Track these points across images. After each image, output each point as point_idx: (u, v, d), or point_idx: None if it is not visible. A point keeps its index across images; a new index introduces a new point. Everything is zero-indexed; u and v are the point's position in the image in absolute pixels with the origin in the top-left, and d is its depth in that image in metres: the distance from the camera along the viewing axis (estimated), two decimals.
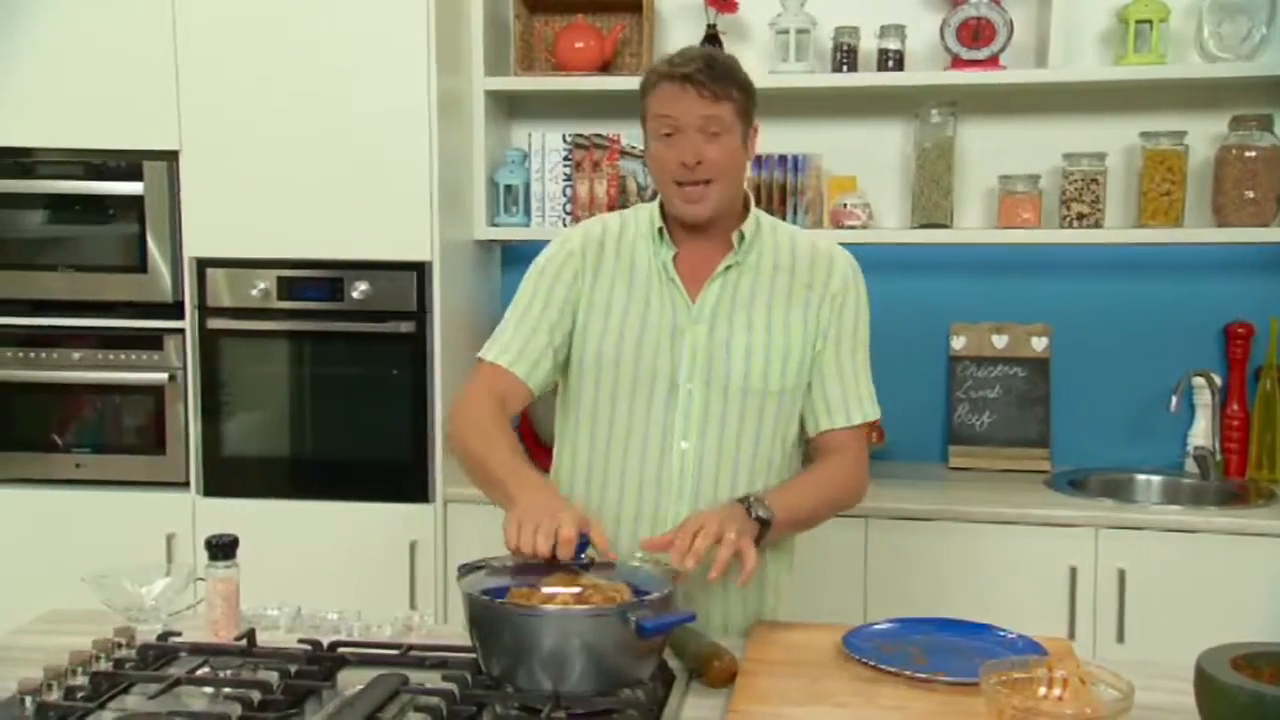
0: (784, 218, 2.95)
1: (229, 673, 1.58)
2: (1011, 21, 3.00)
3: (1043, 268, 3.21)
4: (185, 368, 3.02)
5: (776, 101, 3.09)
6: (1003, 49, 3.01)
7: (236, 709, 1.44)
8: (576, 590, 1.51)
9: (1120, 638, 2.70)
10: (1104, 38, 3.12)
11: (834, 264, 1.92)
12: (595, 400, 1.90)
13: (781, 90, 3.07)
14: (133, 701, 1.49)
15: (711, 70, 1.81)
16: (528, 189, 3.22)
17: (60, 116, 2.99)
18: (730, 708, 1.49)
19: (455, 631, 1.72)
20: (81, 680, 1.53)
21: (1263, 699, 1.25)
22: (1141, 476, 3.13)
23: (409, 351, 2.96)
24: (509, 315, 1.94)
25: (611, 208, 3.16)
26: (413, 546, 2.95)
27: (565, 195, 3.20)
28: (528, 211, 3.23)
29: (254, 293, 2.97)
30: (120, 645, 1.65)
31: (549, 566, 1.57)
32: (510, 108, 3.37)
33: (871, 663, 1.60)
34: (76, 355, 3.06)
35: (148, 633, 1.71)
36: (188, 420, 3.02)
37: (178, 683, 1.53)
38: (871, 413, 1.93)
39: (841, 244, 1.99)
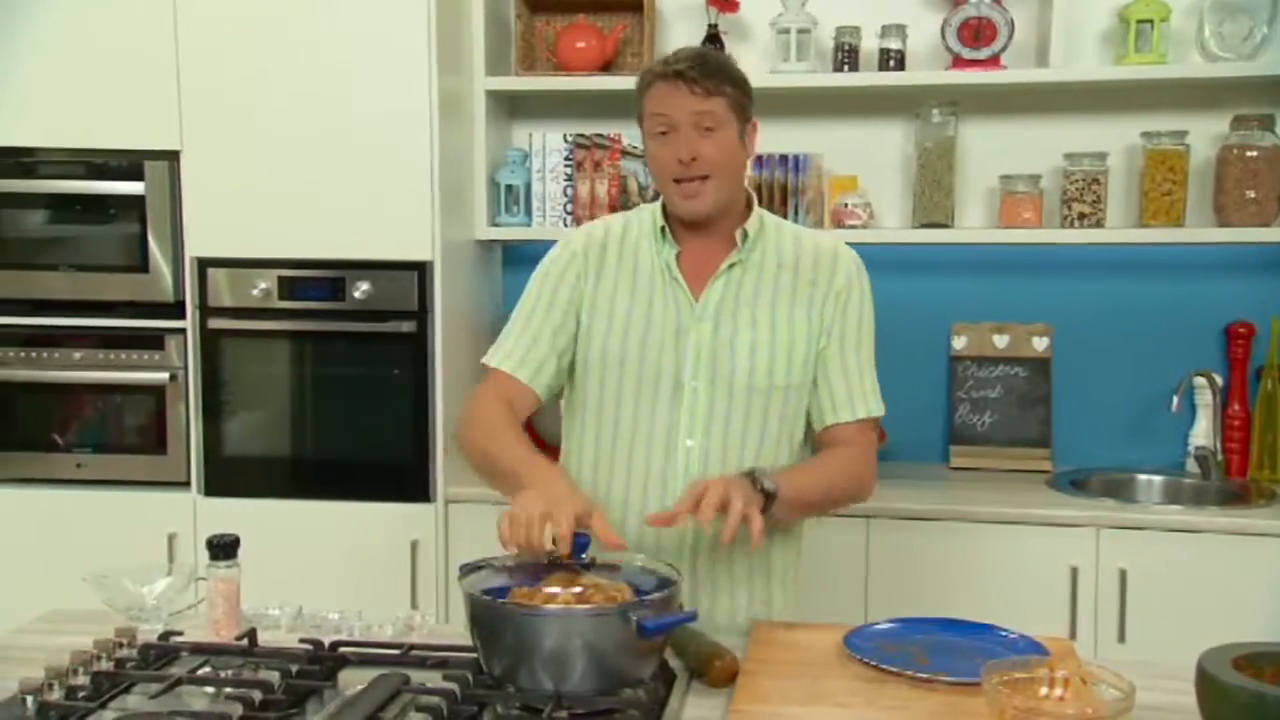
0: (785, 217, 2.93)
1: (230, 672, 1.58)
2: (1012, 21, 3.00)
3: (1044, 268, 3.21)
4: (186, 367, 3.02)
5: (777, 101, 3.09)
6: (1004, 49, 3.00)
7: (238, 709, 1.44)
8: (578, 590, 1.51)
9: (1121, 638, 2.70)
10: (1105, 37, 3.12)
11: (838, 260, 1.93)
12: (600, 400, 1.91)
13: (782, 90, 3.07)
14: (134, 701, 1.49)
15: (703, 67, 1.82)
16: (529, 189, 3.22)
17: (61, 116, 2.99)
18: (731, 707, 1.49)
19: (456, 631, 1.72)
20: (83, 680, 1.53)
21: (1264, 699, 1.25)
22: (1143, 476, 3.13)
23: (410, 351, 2.96)
24: (513, 319, 1.95)
25: (613, 208, 3.17)
26: (414, 546, 2.95)
27: (566, 195, 3.20)
28: (529, 211, 3.23)
29: (255, 292, 2.97)
30: (121, 645, 1.65)
31: (550, 566, 1.57)
32: (511, 107, 3.37)
33: (873, 663, 1.60)
34: (78, 355, 3.06)
35: (149, 632, 1.72)
36: (189, 420, 3.02)
37: (179, 682, 1.53)
38: (876, 408, 1.93)
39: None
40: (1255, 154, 2.94)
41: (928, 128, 3.10)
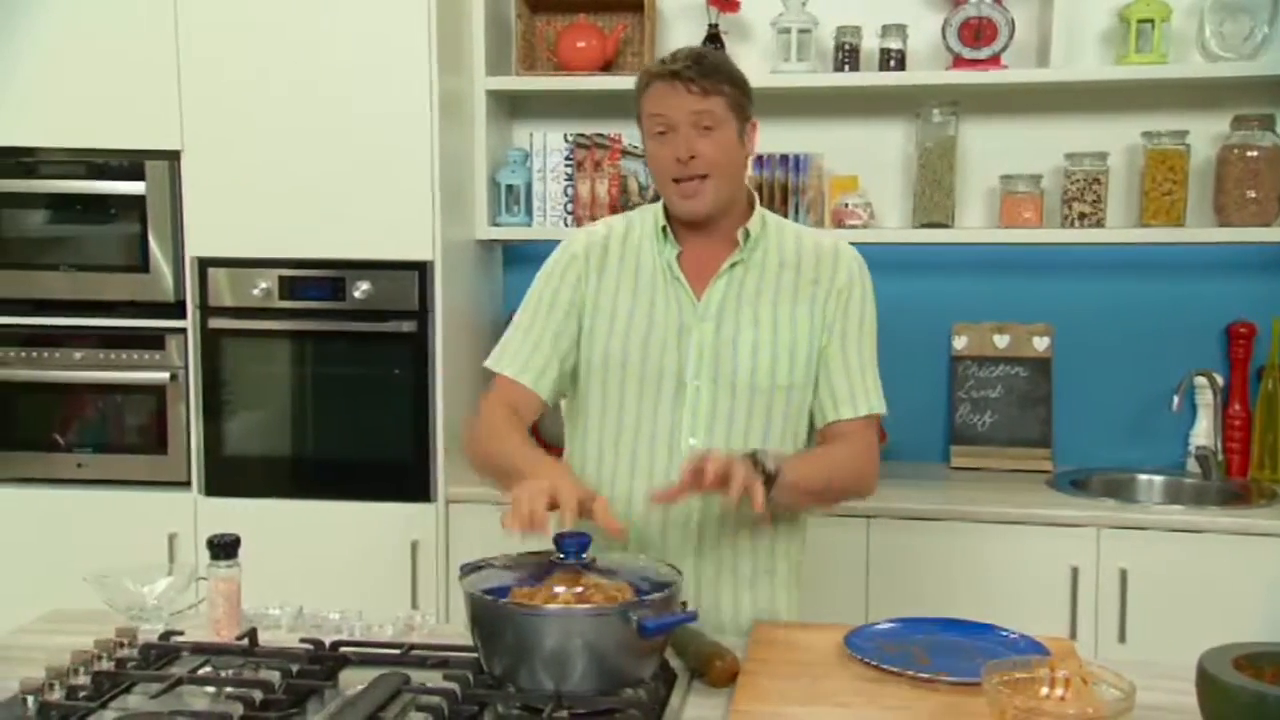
0: (785, 217, 2.92)
1: (231, 672, 1.58)
2: (1013, 21, 3.00)
3: (1044, 267, 3.21)
4: (187, 367, 3.02)
5: (778, 101, 3.10)
6: (1004, 48, 3.00)
7: (238, 708, 1.44)
8: (578, 590, 1.51)
9: (1122, 638, 2.70)
10: (1105, 37, 3.12)
11: (839, 259, 1.93)
12: (603, 400, 1.91)
13: (783, 90, 3.07)
14: (135, 701, 1.50)
15: (700, 66, 1.82)
16: (529, 189, 3.22)
17: (62, 116, 2.99)
18: (732, 707, 1.49)
19: (457, 631, 1.72)
20: (83, 680, 1.53)
21: (1264, 699, 1.25)
22: (1143, 476, 3.13)
23: (410, 351, 2.96)
24: (515, 323, 1.96)
25: (613, 207, 3.17)
26: (414, 546, 2.95)
27: (567, 195, 3.20)
28: (529, 211, 3.23)
29: (256, 292, 2.97)
30: (122, 645, 1.65)
31: (551, 565, 1.57)
32: (512, 107, 3.37)
33: (874, 663, 1.60)
34: (78, 355, 3.06)
35: (149, 632, 1.72)
36: (189, 420, 3.02)
37: (180, 682, 1.53)
38: (878, 405, 1.92)
39: None
40: (1256, 154, 2.94)
41: (928, 127, 3.10)
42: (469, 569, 1.59)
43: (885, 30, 3.10)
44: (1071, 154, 3.06)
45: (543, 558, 1.60)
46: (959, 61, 3.04)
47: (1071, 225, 3.04)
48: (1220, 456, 3.07)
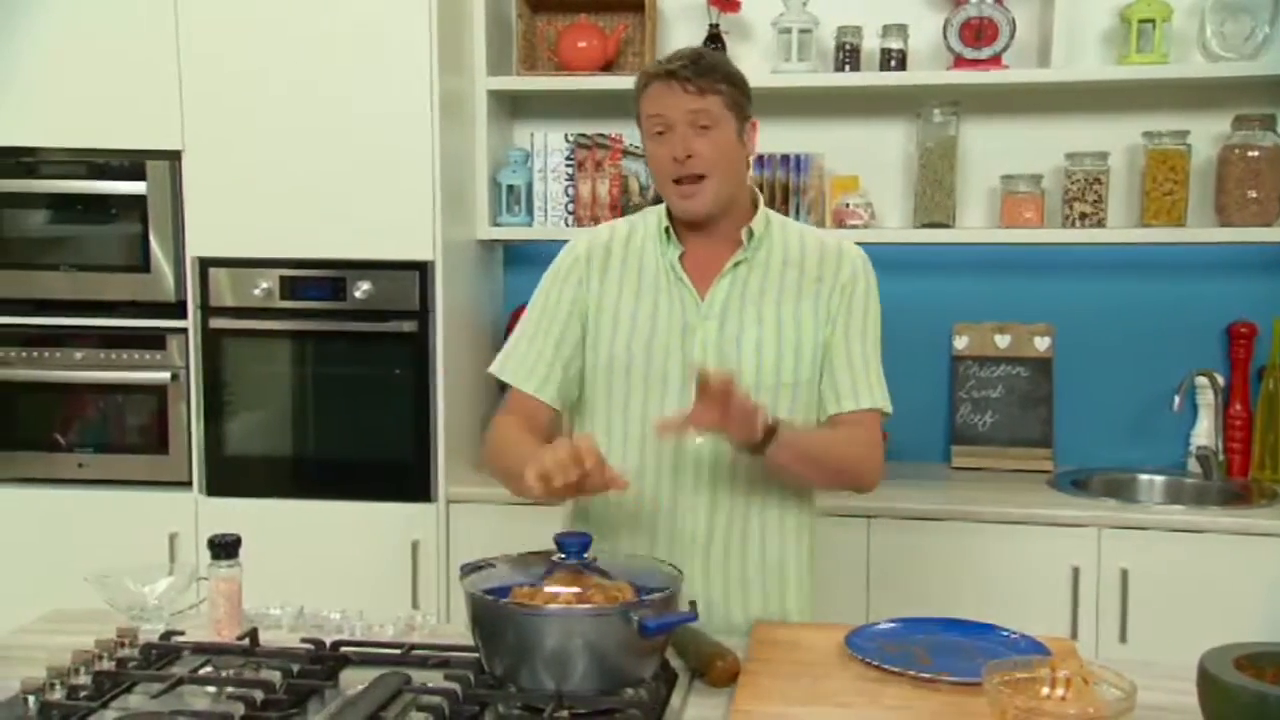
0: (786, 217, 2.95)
1: (231, 672, 1.58)
2: (1014, 21, 3.00)
3: (1045, 267, 3.21)
4: (188, 367, 3.02)
5: (779, 101, 3.10)
6: (1005, 48, 3.00)
7: (239, 708, 1.44)
8: (579, 590, 1.51)
9: (1123, 638, 2.70)
10: (1106, 37, 3.12)
11: (843, 256, 1.92)
12: (609, 402, 1.91)
13: (783, 90, 3.07)
14: (135, 701, 1.50)
15: (697, 65, 1.83)
16: (530, 189, 3.22)
17: (63, 116, 2.99)
18: (733, 708, 1.49)
19: (458, 631, 1.72)
20: (84, 679, 1.53)
21: (1265, 699, 1.25)
22: (1144, 476, 3.13)
23: (411, 351, 2.96)
24: (520, 327, 1.98)
25: (614, 207, 3.17)
26: (415, 546, 2.95)
27: (568, 195, 3.20)
28: (530, 211, 3.23)
29: (256, 292, 2.97)
30: (123, 644, 1.65)
31: (552, 565, 1.57)
32: (513, 107, 3.37)
33: (875, 663, 1.60)
34: (79, 355, 3.06)
35: (150, 632, 1.72)
36: (190, 420, 3.02)
37: (180, 682, 1.53)
38: (881, 401, 1.90)
39: None
40: (1257, 154, 2.94)
41: (929, 127, 3.10)
42: (470, 569, 1.59)
43: (886, 30, 3.10)
44: (1072, 154, 3.06)
45: (544, 558, 1.60)
46: (960, 61, 3.04)
47: (1072, 225, 3.04)
48: (1221, 456, 3.07)
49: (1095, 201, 3.02)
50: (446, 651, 1.63)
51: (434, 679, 1.53)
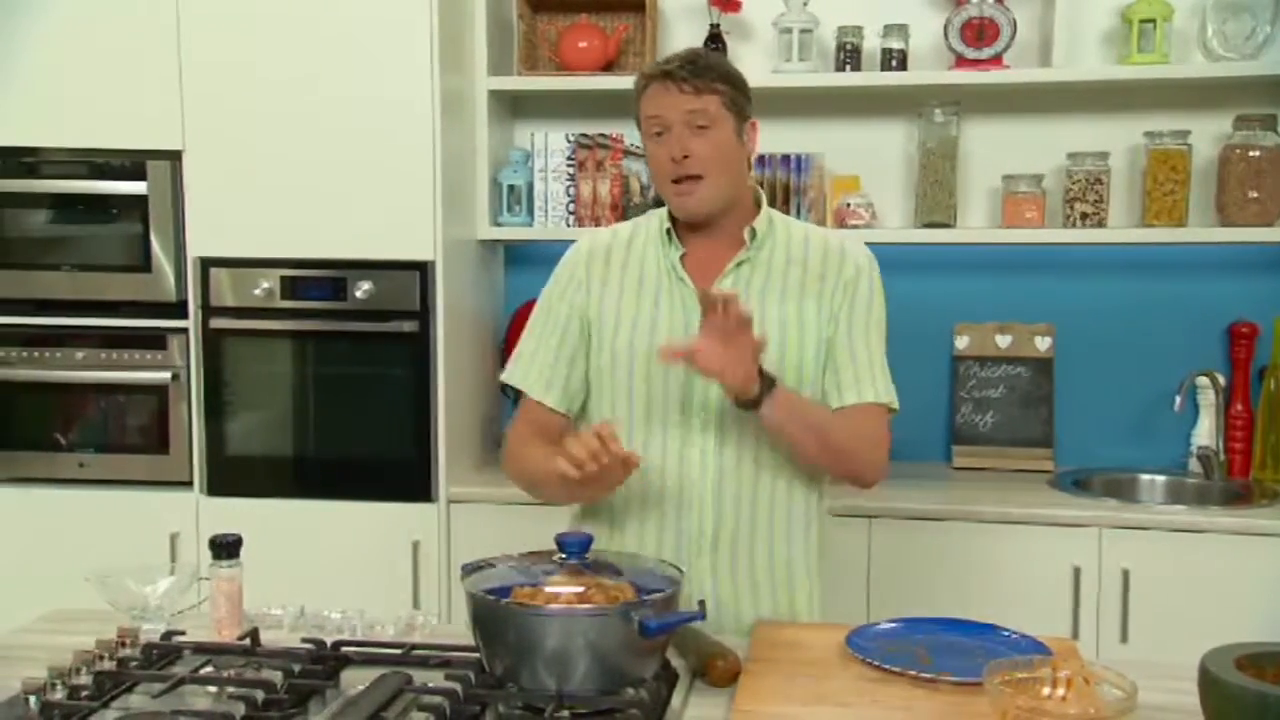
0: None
1: (232, 672, 1.58)
2: (1015, 21, 2.99)
3: (1046, 267, 3.21)
4: (189, 367, 3.02)
5: (779, 101, 3.10)
6: (1006, 48, 3.00)
7: (240, 708, 1.44)
8: (580, 589, 1.51)
9: (1124, 638, 2.70)
10: (1107, 37, 3.12)
11: (846, 254, 1.92)
12: (613, 401, 1.92)
13: (784, 90, 3.07)
14: (136, 701, 1.50)
15: (694, 65, 1.83)
16: (531, 189, 3.22)
17: (64, 116, 2.99)
18: (734, 707, 1.49)
19: (458, 631, 1.72)
20: (85, 679, 1.53)
21: (1266, 699, 1.25)
22: (1145, 476, 3.13)
23: (412, 351, 2.96)
24: (526, 332, 2.00)
25: (615, 208, 3.17)
26: (416, 546, 2.95)
27: (568, 195, 3.20)
28: (531, 211, 3.23)
29: (257, 292, 2.97)
30: (124, 644, 1.65)
31: (553, 565, 1.57)
32: (513, 107, 3.37)
33: (875, 662, 1.60)
34: (80, 355, 3.06)
35: (151, 632, 1.72)
36: (191, 420, 3.02)
37: (181, 682, 1.53)
38: (885, 395, 1.89)
39: None
40: (1258, 154, 2.94)
41: (930, 127, 3.09)
42: (470, 569, 1.59)
43: (887, 30, 3.10)
44: (1073, 154, 3.06)
45: (544, 557, 1.60)
46: (961, 61, 3.04)
47: (1073, 225, 3.04)
48: (1222, 456, 3.07)
49: (1096, 201, 3.02)
50: (447, 651, 1.63)
51: (435, 679, 1.53)
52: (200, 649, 1.67)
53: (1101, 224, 3.03)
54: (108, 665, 1.59)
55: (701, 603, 1.60)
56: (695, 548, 1.87)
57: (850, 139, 3.23)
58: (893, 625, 1.76)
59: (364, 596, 2.03)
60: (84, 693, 1.50)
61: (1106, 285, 3.20)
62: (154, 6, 2.92)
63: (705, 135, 1.82)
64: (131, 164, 2.99)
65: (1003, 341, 3.22)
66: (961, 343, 3.24)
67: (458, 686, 1.47)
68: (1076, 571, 2.71)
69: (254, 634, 1.69)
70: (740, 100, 1.86)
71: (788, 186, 3.13)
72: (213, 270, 2.99)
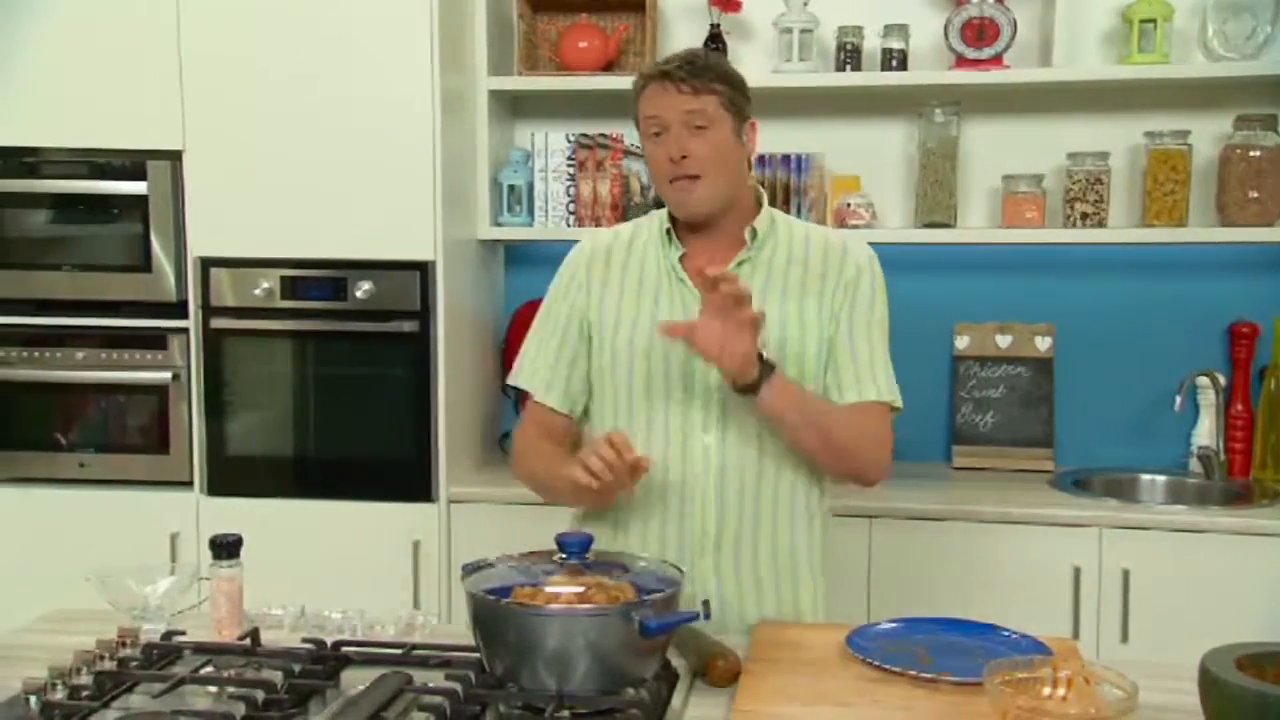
0: None
1: (233, 672, 1.58)
2: (1015, 21, 2.99)
3: (1046, 267, 3.21)
4: (189, 367, 3.02)
5: (780, 101, 3.10)
6: (1006, 48, 3.00)
7: (240, 708, 1.44)
8: (580, 589, 1.51)
9: (1124, 638, 2.70)
10: (1108, 37, 3.12)
11: (848, 252, 1.92)
12: (615, 402, 1.92)
13: (784, 90, 3.07)
14: (137, 701, 1.50)
15: (692, 66, 1.83)
16: (531, 189, 3.22)
17: (64, 116, 2.99)
18: (734, 707, 1.49)
19: (459, 631, 1.72)
20: (86, 679, 1.53)
21: (1267, 699, 1.25)
22: (1145, 476, 3.13)
23: (412, 351, 2.96)
24: (530, 335, 2.01)
25: (615, 207, 3.17)
26: (416, 546, 2.95)
27: (569, 195, 3.20)
28: (531, 211, 3.23)
29: (258, 292, 2.97)
30: (124, 644, 1.65)
31: (553, 565, 1.57)
32: (514, 107, 3.37)
33: (876, 662, 1.60)
34: (80, 355, 3.06)
35: (151, 632, 1.72)
36: (191, 419, 3.02)
37: (182, 682, 1.53)
38: (888, 394, 1.88)
39: None
40: (1258, 154, 2.94)
41: (930, 127, 3.09)
42: (471, 569, 1.59)
43: (887, 30, 3.09)
44: (1074, 154, 3.05)
45: (545, 557, 1.60)
46: (961, 61, 3.04)
47: (1074, 225, 3.04)
48: (1222, 456, 3.07)
49: (1096, 201, 3.02)
50: (448, 651, 1.63)
51: (435, 679, 1.53)
52: (200, 649, 1.67)
53: (1102, 224, 3.03)
54: (108, 665, 1.59)
55: (706, 603, 1.60)
56: (699, 547, 1.87)
57: (850, 139, 3.23)
58: (893, 625, 1.76)
59: (364, 596, 2.03)
60: (84, 693, 1.50)
61: (1107, 285, 3.20)
62: (154, 6, 2.92)
63: (703, 135, 1.83)
64: (132, 164, 2.99)
65: (1003, 341, 3.22)
66: (962, 343, 3.24)
67: (458, 686, 1.47)
68: (1077, 571, 2.71)
69: (254, 634, 1.69)
70: (739, 100, 1.86)
71: (788, 186, 3.13)
72: (213, 270, 2.99)
